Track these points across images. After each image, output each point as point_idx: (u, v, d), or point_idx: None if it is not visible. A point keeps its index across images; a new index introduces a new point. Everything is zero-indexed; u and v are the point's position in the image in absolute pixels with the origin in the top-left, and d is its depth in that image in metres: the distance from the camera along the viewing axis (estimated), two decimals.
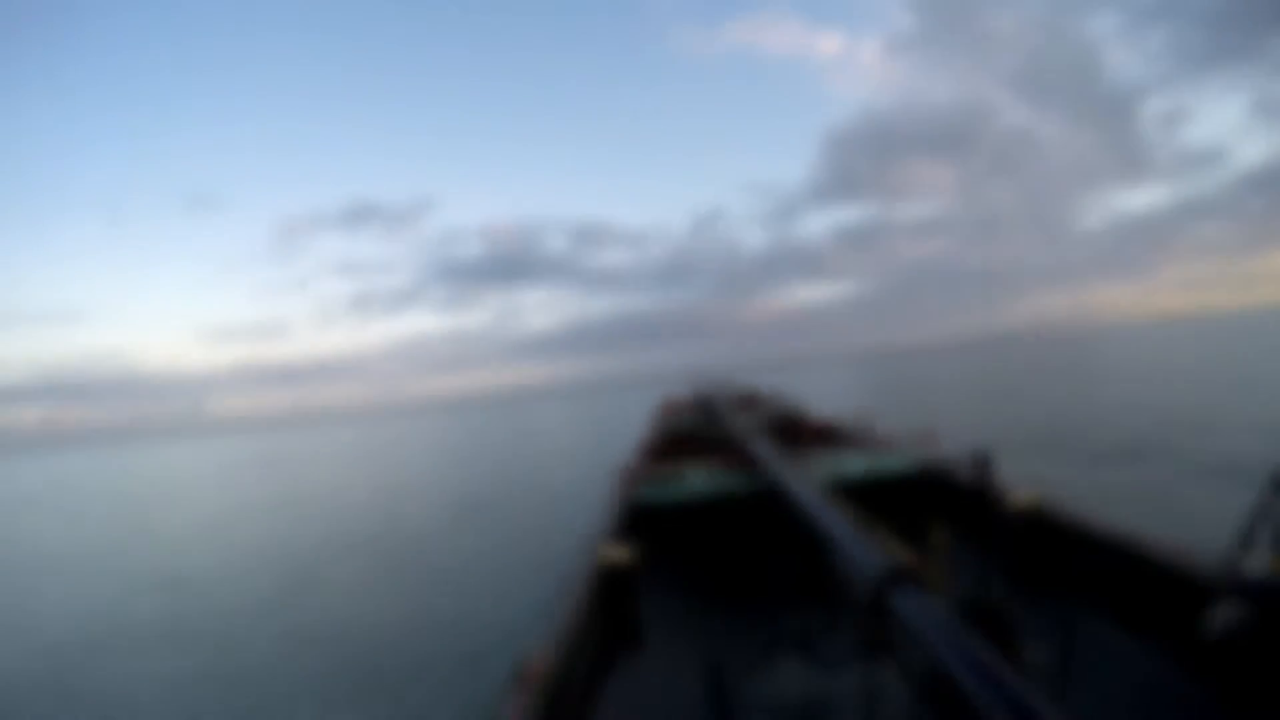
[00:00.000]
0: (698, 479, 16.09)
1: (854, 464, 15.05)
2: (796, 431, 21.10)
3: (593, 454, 56.74)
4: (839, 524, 7.02)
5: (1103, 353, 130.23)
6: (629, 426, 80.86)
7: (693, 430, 28.08)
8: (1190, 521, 15.31)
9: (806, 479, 10.68)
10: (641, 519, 13.92)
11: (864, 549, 5.89)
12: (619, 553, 10.24)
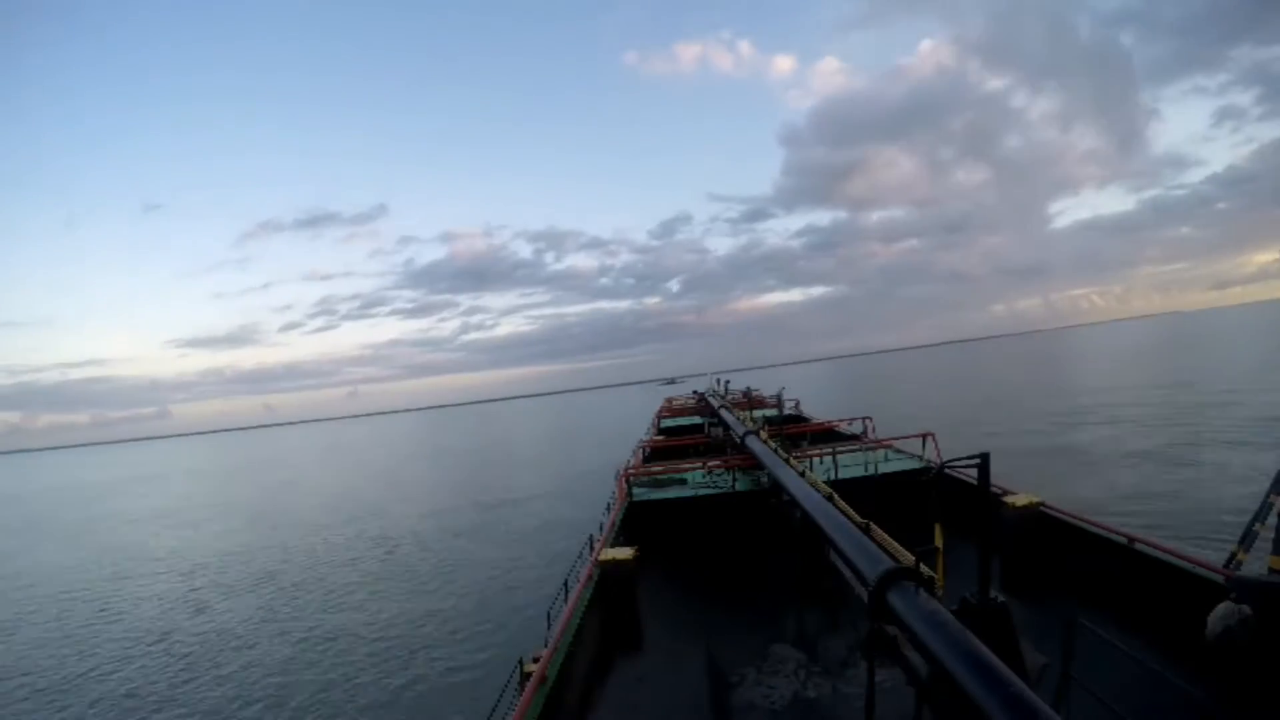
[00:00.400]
0: (698, 479, 16.11)
1: (854, 464, 15.08)
2: (796, 431, 21.12)
3: (572, 453, 57.01)
4: (839, 524, 7.03)
5: (1058, 354, 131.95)
6: (609, 426, 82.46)
7: (693, 430, 28.11)
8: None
9: (806, 479, 10.69)
10: (641, 519, 13.94)
11: (864, 549, 5.89)
12: (619, 552, 10.26)
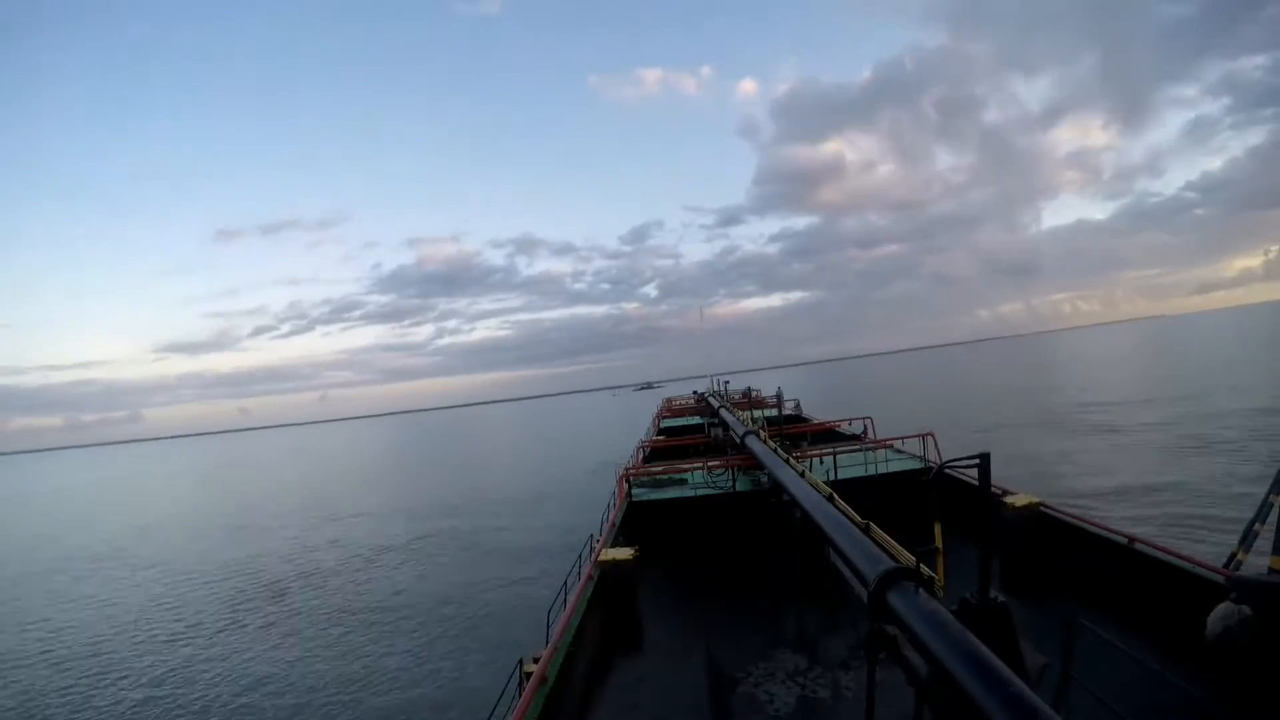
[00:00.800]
0: (698, 479, 16.11)
1: (854, 464, 15.08)
2: (796, 432, 21.13)
3: (554, 455, 57.25)
4: (839, 524, 7.03)
5: (1043, 358, 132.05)
6: (590, 428, 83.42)
7: (693, 430, 28.12)
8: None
9: (806, 479, 10.69)
10: (641, 519, 13.95)
11: (864, 549, 5.89)
12: (619, 552, 10.27)
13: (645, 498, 14.66)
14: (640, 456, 21.89)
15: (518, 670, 6.98)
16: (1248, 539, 7.41)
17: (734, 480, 14.83)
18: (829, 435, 22.23)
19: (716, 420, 23.78)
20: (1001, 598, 4.66)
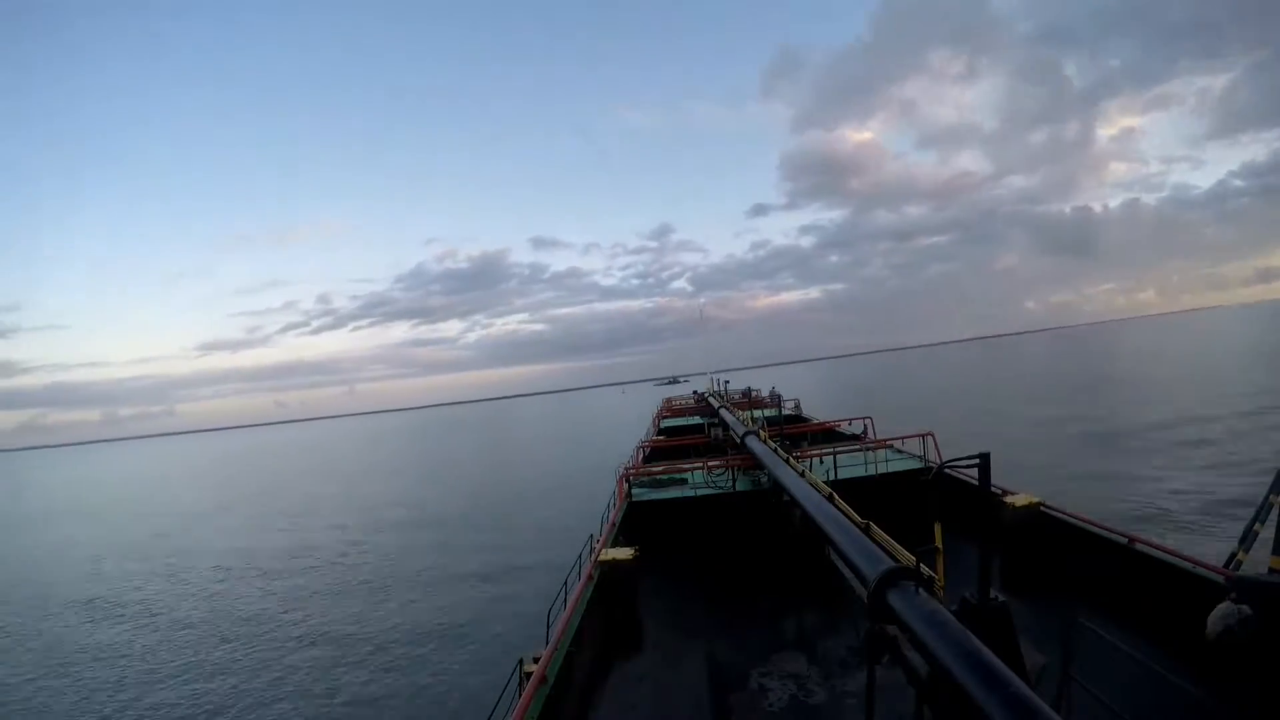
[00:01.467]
0: (698, 479, 16.12)
1: (854, 464, 15.09)
2: (796, 431, 21.16)
3: (574, 451, 57.15)
4: (839, 524, 7.04)
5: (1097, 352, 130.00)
6: (610, 423, 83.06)
7: (693, 430, 28.14)
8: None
9: (806, 479, 10.70)
10: (641, 519, 13.96)
11: (864, 549, 5.91)
12: (619, 552, 10.28)
13: (645, 498, 14.67)
14: (640, 456, 21.90)
15: (517, 670, 6.99)
16: (1248, 539, 7.42)
17: (734, 480, 14.84)
18: (829, 435, 22.24)
19: (716, 420, 23.80)
20: (1001, 598, 4.66)
